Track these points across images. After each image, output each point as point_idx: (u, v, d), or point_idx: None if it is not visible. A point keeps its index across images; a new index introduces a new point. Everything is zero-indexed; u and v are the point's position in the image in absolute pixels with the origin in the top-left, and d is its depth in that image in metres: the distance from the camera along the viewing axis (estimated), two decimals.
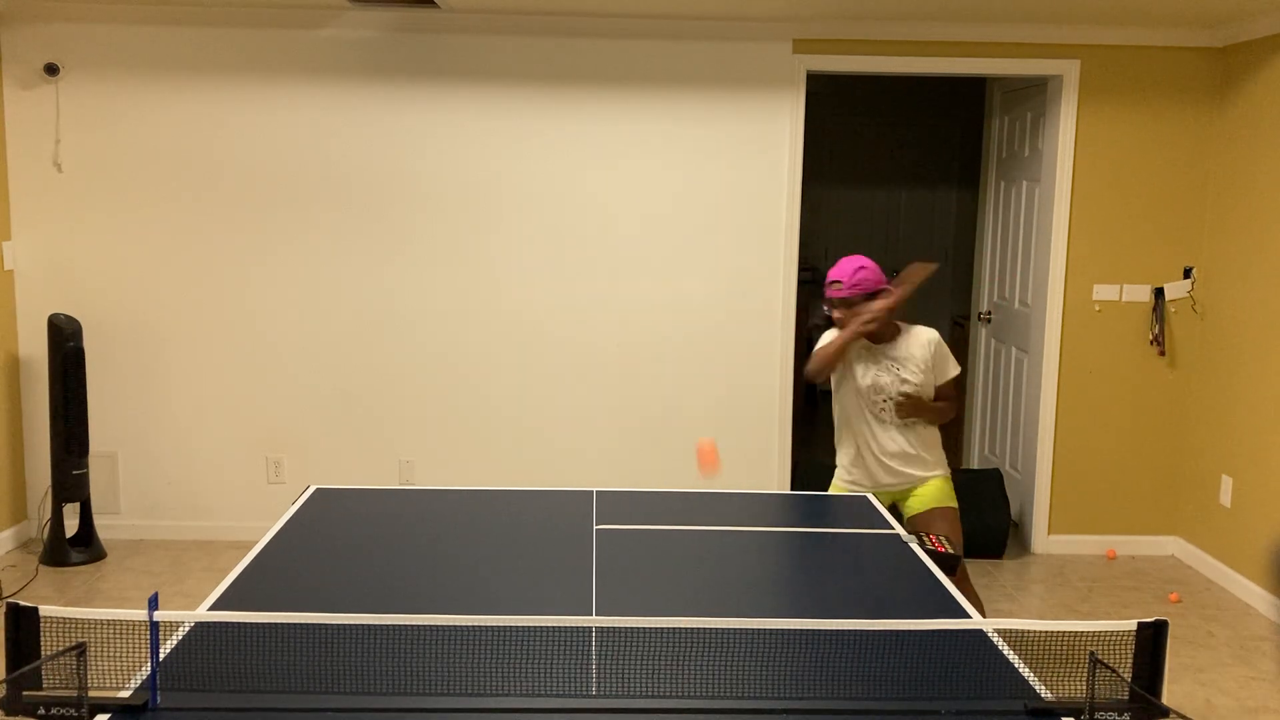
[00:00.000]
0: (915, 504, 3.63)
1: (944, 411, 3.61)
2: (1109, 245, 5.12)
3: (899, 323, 3.63)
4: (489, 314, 5.12)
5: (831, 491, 3.70)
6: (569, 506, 3.24)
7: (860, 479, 3.67)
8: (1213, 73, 5.02)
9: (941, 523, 3.58)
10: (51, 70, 4.87)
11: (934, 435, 3.66)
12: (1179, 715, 1.84)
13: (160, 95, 4.94)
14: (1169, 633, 1.92)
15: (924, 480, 3.63)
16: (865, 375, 3.57)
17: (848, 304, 3.53)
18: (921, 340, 3.59)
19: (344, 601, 2.44)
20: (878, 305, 3.50)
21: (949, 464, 4.34)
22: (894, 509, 3.74)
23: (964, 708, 1.95)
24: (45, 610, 1.96)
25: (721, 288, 5.13)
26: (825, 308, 3.64)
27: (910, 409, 3.53)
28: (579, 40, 4.96)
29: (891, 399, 3.56)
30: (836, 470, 3.77)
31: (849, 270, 3.53)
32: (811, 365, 3.58)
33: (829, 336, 3.63)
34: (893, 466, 3.60)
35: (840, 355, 3.51)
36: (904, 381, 3.55)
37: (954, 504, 3.62)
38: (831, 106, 8.51)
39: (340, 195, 5.02)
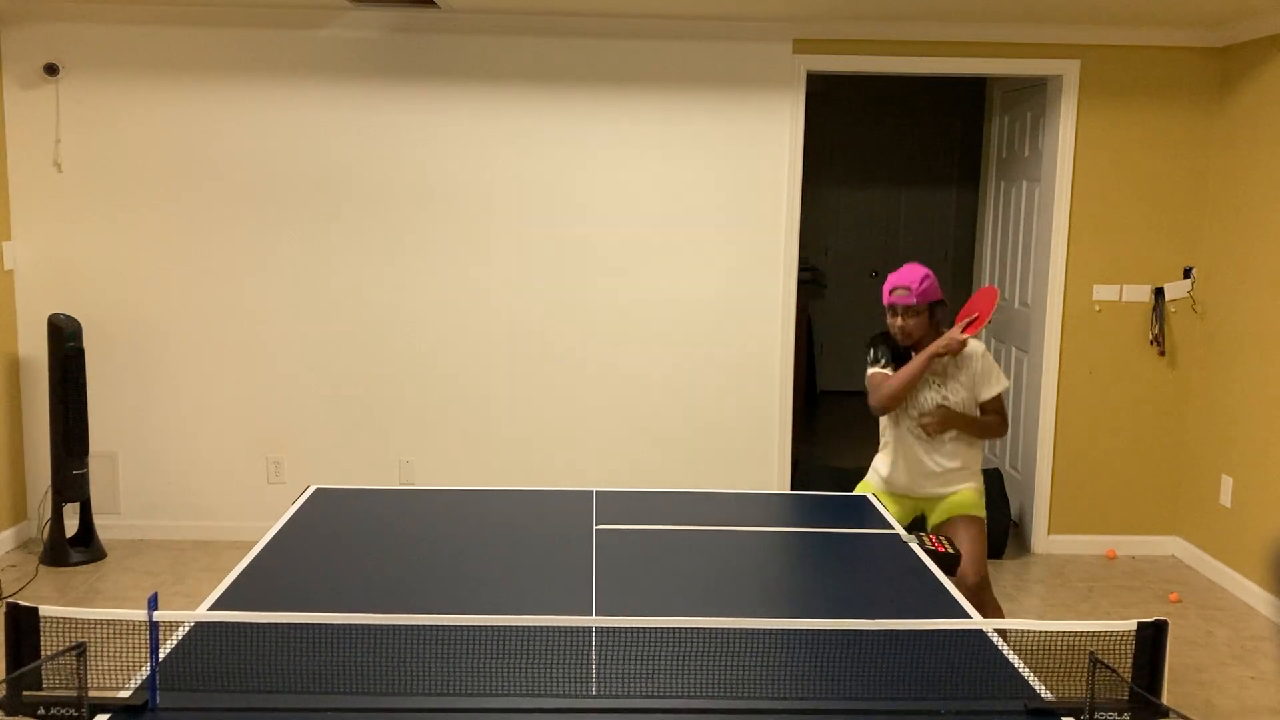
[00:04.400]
0: (941, 512, 3.60)
1: (987, 426, 3.52)
2: (1109, 245, 5.12)
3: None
4: (488, 314, 5.12)
5: (860, 489, 3.69)
6: (569, 506, 3.24)
7: (895, 484, 3.63)
8: (1213, 73, 5.02)
9: (963, 531, 3.50)
10: (51, 70, 4.87)
11: (975, 448, 3.59)
12: (1179, 715, 1.84)
13: (160, 95, 4.94)
14: (1169, 633, 1.92)
15: (954, 491, 3.60)
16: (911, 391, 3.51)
17: (914, 312, 3.45)
18: (967, 355, 3.52)
19: (343, 601, 2.44)
20: (958, 334, 3.41)
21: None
22: (920, 515, 3.71)
23: (964, 708, 1.95)
24: (45, 610, 1.96)
25: (721, 287, 5.13)
26: (889, 314, 3.51)
27: (938, 425, 3.46)
28: (579, 40, 4.96)
29: (924, 414, 3.52)
30: (872, 470, 3.74)
31: (916, 278, 3.43)
32: (882, 399, 3.44)
33: (881, 369, 3.52)
34: (928, 481, 3.57)
35: (913, 385, 3.42)
36: (945, 399, 3.49)
37: (979, 513, 3.54)
38: (831, 106, 8.51)
39: (340, 195, 5.02)
